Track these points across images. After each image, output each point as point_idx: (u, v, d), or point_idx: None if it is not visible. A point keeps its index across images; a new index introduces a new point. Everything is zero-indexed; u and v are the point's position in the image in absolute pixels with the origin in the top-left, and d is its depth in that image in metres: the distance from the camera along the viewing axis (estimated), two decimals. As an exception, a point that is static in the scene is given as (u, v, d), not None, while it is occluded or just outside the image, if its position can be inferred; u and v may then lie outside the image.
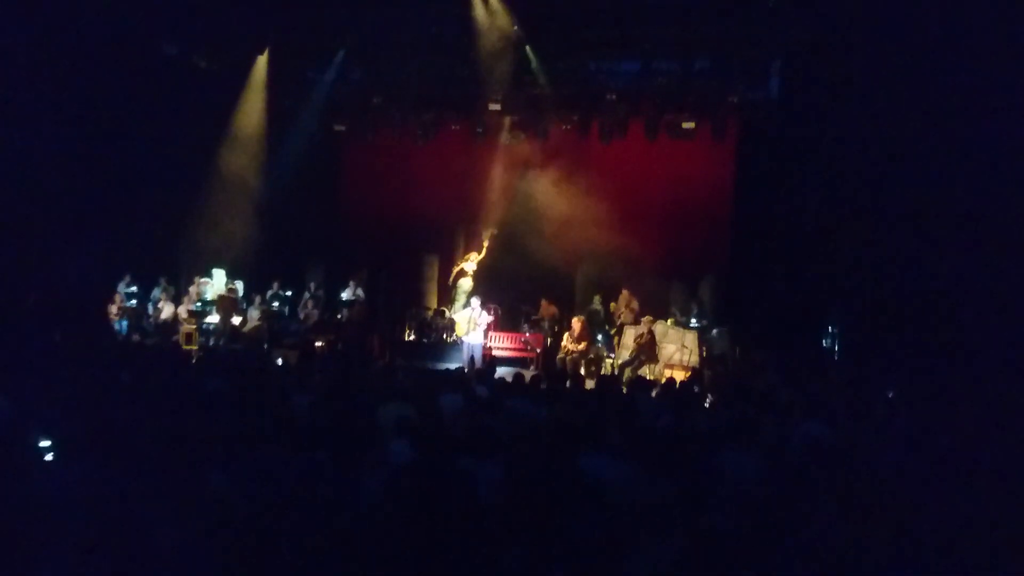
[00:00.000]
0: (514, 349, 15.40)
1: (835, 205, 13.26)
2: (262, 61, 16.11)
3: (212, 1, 13.25)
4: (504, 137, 17.47)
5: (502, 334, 15.53)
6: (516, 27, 14.35)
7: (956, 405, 7.64)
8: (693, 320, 15.15)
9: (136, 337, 14.78)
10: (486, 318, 13.74)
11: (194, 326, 14.71)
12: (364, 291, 17.13)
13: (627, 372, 12.79)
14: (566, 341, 14.17)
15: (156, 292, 16.00)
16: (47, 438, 4.99)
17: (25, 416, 5.43)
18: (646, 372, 12.78)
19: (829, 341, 14.07)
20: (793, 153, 14.29)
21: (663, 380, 10.91)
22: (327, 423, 5.70)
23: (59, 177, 12.22)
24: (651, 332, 13.38)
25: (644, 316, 14.06)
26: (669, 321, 14.49)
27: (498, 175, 17.61)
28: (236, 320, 15.50)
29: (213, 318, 15.25)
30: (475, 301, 13.83)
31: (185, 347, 13.69)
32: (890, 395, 9.27)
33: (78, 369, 7.56)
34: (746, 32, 14.01)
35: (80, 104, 12.25)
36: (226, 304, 15.49)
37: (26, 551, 4.05)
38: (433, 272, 18.61)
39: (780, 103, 15.14)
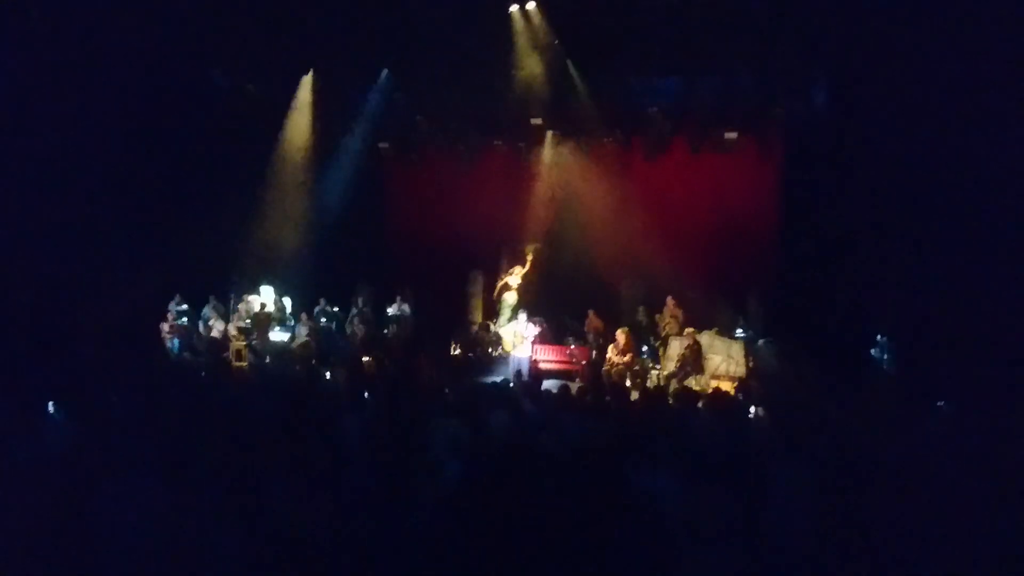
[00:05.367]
0: (560, 362, 15.31)
1: (882, 216, 13.10)
2: (307, 82, 16.37)
3: (256, 26, 13.49)
4: (546, 152, 17.55)
5: (548, 347, 15.51)
6: (557, 43, 14.41)
7: (1009, 417, 7.51)
8: (739, 331, 15.04)
9: (188, 355, 15.06)
10: (533, 330, 13.76)
11: (244, 343, 14.92)
12: (410, 307, 17.26)
13: (673, 384, 12.70)
14: (611, 353, 14.10)
15: (206, 310, 16.27)
16: (110, 460, 5.13)
17: (89, 438, 5.58)
18: (692, 383, 12.68)
19: (878, 352, 13.88)
20: (840, 165, 14.13)
21: (709, 391, 10.83)
22: (378, 445, 5.77)
23: (113, 200, 12.54)
24: (696, 343, 13.30)
25: (688, 328, 13.98)
26: (715, 331, 14.36)
27: (541, 190, 17.69)
28: (284, 336, 15.72)
29: (260, 335, 15.52)
30: (522, 315, 13.88)
31: (235, 364, 13.90)
32: (941, 405, 9.13)
33: (136, 389, 7.74)
34: (791, 45, 13.87)
35: (131, 129, 12.57)
36: (261, 322, 15.76)
37: (91, 570, 4.19)
38: (478, 287, 18.67)
39: (827, 115, 15.02)
